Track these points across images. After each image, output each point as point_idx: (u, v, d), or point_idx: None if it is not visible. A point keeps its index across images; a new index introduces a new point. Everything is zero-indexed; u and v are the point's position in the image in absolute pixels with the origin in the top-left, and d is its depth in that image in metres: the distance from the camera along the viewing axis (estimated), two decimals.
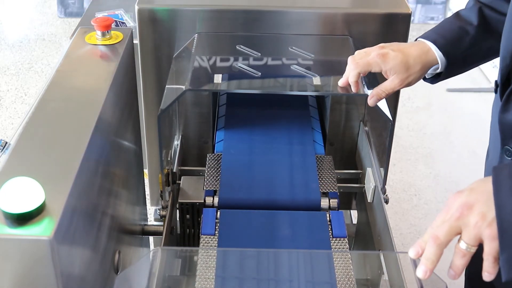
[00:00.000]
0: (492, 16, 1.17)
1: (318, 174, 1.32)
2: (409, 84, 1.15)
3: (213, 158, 1.38)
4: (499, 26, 1.11)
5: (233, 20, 1.36)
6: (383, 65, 1.12)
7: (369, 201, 1.34)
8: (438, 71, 1.18)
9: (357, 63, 1.13)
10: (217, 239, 1.16)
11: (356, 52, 1.17)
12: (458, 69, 1.21)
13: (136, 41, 1.35)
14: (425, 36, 1.19)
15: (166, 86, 1.30)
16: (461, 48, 1.17)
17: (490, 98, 3.60)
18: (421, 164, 2.77)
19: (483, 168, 1.21)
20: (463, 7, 1.22)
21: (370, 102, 1.15)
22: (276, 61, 1.33)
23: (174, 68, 1.35)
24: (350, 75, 1.14)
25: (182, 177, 1.37)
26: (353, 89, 1.15)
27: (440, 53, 1.15)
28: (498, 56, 1.11)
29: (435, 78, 1.22)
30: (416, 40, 1.21)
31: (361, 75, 1.14)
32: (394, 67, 1.12)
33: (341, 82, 1.17)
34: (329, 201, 1.26)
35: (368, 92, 1.16)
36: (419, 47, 1.16)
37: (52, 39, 3.74)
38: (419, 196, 2.58)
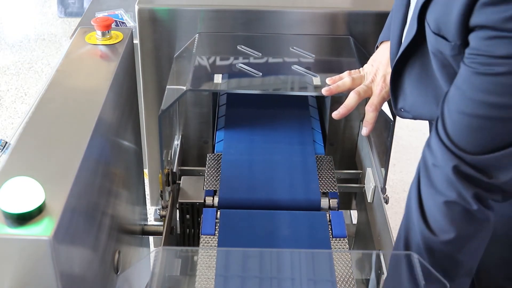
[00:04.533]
0: None
1: (318, 174, 1.32)
2: None
3: (213, 158, 1.38)
4: None
5: (234, 20, 1.35)
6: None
7: (369, 201, 1.34)
8: None
9: (374, 105, 1.11)
10: (217, 239, 1.16)
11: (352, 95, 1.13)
12: None
13: (136, 41, 1.35)
14: (386, 36, 1.17)
15: (167, 86, 1.30)
16: None
17: None
18: None
19: None
20: None
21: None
22: (277, 61, 1.33)
23: (174, 68, 1.35)
24: (371, 118, 1.12)
25: (182, 177, 1.37)
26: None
27: None
28: None
29: None
30: (378, 44, 1.19)
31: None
32: None
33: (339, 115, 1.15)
34: (329, 201, 1.26)
35: None
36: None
37: (52, 39, 3.74)
38: None
